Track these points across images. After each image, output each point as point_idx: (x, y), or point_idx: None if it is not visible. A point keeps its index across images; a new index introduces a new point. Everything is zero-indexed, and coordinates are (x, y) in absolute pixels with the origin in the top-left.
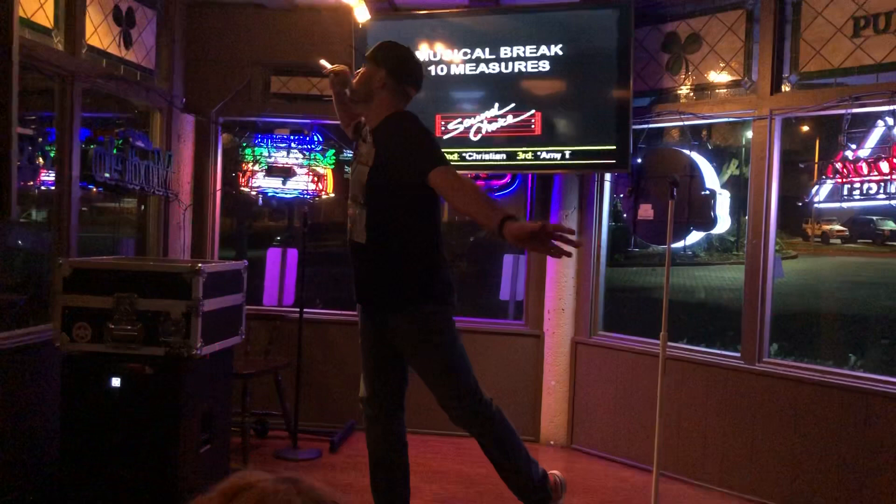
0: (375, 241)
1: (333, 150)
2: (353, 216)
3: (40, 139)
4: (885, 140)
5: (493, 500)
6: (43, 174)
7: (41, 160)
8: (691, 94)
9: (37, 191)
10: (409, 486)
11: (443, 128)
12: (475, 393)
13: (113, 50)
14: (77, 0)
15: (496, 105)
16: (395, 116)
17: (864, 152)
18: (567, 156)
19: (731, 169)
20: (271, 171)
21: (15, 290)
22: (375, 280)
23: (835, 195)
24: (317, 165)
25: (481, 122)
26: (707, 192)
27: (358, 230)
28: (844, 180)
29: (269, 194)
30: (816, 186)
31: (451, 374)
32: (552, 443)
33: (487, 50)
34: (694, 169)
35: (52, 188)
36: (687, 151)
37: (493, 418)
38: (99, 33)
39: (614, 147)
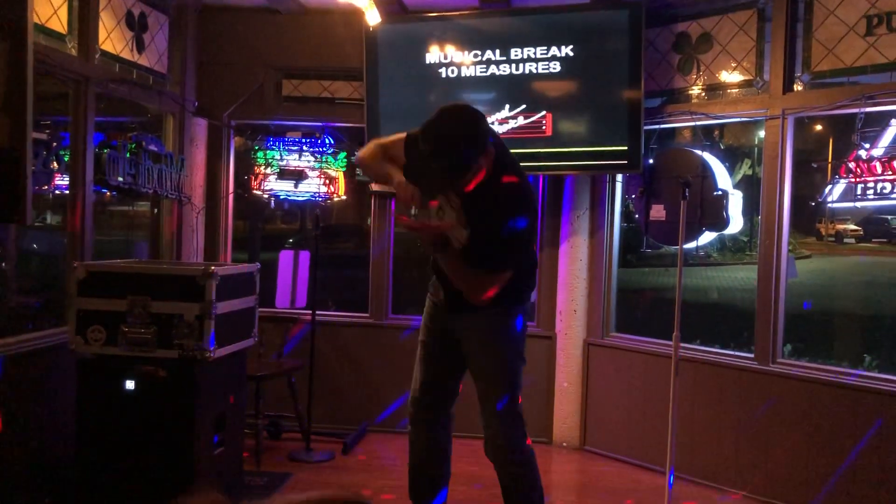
0: None
1: (345, 153)
2: None
3: (55, 144)
4: None
5: None
6: (57, 178)
7: (55, 165)
8: (703, 94)
9: (51, 195)
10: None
11: None
12: (519, 411)
13: (126, 54)
14: (90, 6)
15: (507, 106)
16: (491, 180)
17: (877, 151)
18: (578, 157)
19: (744, 169)
20: (283, 173)
21: (30, 294)
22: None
23: (848, 195)
24: (328, 168)
25: (492, 123)
26: (719, 193)
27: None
28: (858, 180)
29: (282, 197)
30: (830, 186)
31: (508, 375)
32: (565, 444)
33: (498, 51)
34: (706, 169)
35: (67, 192)
36: (699, 152)
37: (531, 457)
38: (112, 38)
39: (626, 148)
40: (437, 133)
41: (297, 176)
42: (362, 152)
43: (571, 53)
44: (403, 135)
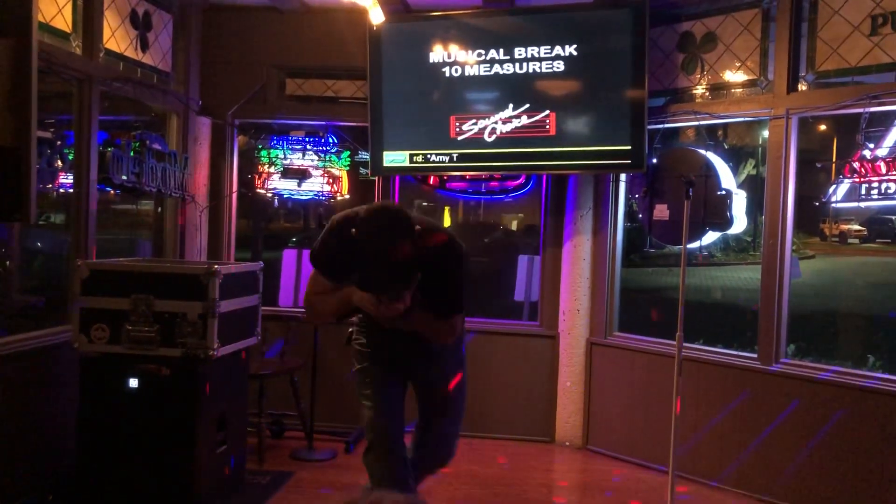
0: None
1: (348, 152)
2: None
3: (59, 142)
4: None
5: (507, 500)
6: (61, 177)
7: (60, 163)
8: (707, 93)
9: (55, 193)
10: None
11: (457, 129)
12: None
13: (130, 53)
14: (95, 4)
15: (510, 106)
16: (426, 247)
17: (882, 151)
18: (582, 156)
19: (748, 169)
20: (287, 172)
21: (34, 292)
22: (421, 351)
23: (852, 195)
24: (332, 167)
25: (496, 122)
26: (723, 192)
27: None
28: (862, 179)
29: (285, 196)
30: (834, 186)
31: (464, 403)
32: (567, 444)
33: (501, 51)
34: (710, 169)
35: (70, 191)
36: (703, 151)
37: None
38: (116, 37)
39: (629, 147)
40: (388, 265)
41: (301, 175)
42: (310, 311)
43: (575, 53)
44: (312, 271)
